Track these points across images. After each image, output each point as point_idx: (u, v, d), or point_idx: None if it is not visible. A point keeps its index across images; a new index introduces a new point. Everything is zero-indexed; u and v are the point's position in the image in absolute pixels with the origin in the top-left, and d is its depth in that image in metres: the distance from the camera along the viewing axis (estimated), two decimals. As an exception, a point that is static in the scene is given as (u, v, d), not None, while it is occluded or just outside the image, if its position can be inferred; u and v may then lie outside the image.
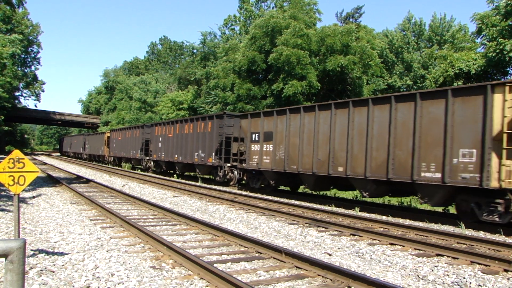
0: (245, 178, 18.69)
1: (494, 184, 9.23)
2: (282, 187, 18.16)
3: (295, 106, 15.72)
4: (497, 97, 9.29)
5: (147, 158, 29.25)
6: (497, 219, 9.35)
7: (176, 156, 24.31)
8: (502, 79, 22.80)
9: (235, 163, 19.06)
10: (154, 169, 28.35)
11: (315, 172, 13.85)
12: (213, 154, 20.26)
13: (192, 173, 25.42)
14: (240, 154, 18.82)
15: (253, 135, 17.02)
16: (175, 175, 25.38)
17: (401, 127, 11.26)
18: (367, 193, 12.47)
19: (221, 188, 18.34)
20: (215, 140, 20.28)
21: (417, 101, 10.86)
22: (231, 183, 19.47)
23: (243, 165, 17.93)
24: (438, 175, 10.28)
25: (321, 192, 17.35)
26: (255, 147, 16.85)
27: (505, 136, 9.09)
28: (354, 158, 12.56)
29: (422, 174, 10.64)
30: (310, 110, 14.34)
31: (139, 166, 32.08)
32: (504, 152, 9.12)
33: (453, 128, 10.05)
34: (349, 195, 17.96)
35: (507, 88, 9.13)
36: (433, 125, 10.50)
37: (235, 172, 19.21)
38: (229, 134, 19.56)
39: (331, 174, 13.29)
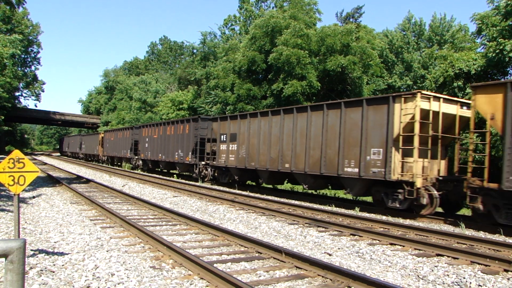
0: (216, 174, 20.75)
1: (394, 177, 11.37)
2: (249, 182, 19.97)
3: (254, 111, 18.23)
4: (397, 107, 11.39)
5: (136, 157, 31.68)
6: (398, 205, 11.52)
7: (160, 155, 26.73)
8: (502, 79, 22.82)
9: (208, 161, 21.16)
10: (142, 167, 30.60)
11: (268, 168, 16.23)
12: (190, 153, 22.70)
13: (172, 171, 27.43)
14: (213, 153, 20.86)
15: (222, 136, 19.47)
16: (175, 175, 25.45)
17: (331, 130, 13.48)
18: (306, 186, 14.80)
19: (196, 183, 20.10)
20: (191, 141, 22.63)
21: (342, 109, 13.02)
22: (206, 179, 21.54)
23: (214, 162, 20.30)
24: (356, 170, 12.48)
25: (321, 192, 17.35)
26: (223, 147, 19.35)
27: (401, 138, 11.28)
28: (297, 156, 14.84)
29: (345, 169, 12.88)
30: (265, 115, 16.69)
31: (130, 165, 34.31)
32: (401, 151, 11.33)
33: (367, 131, 12.20)
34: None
35: (403, 99, 11.25)
36: (353, 129, 12.66)
37: (209, 170, 21.23)
38: (203, 136, 21.71)
39: (280, 170, 15.61)
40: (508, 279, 5.90)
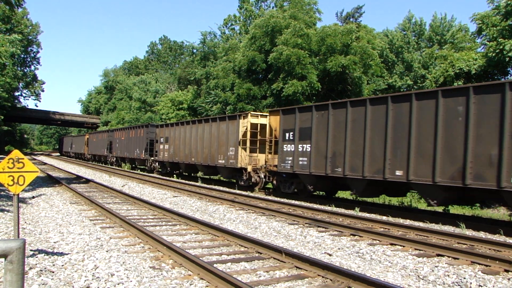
0: (159, 166, 27.10)
1: (239, 165, 17.93)
2: (194, 174, 25.52)
3: (177, 121, 26.23)
4: (241, 121, 18.03)
5: (111, 155, 38.36)
6: (242, 183, 17.83)
7: (125, 153, 33.67)
8: (502, 79, 22.81)
9: (155, 157, 27.53)
10: (115, 163, 37.00)
11: (184, 161, 23.18)
12: (143, 151, 29.34)
13: (136, 165, 32.82)
14: (156, 151, 27.36)
15: (161, 139, 26.67)
16: (174, 175, 25.47)
17: (213, 136, 20.25)
18: (202, 173, 22.49)
19: (150, 174, 26.08)
20: (144, 142, 29.25)
21: (217, 121, 19.96)
22: (155, 171, 27.76)
23: (157, 158, 27.18)
24: (224, 161, 19.04)
25: (321, 192, 17.34)
26: (161, 146, 26.55)
27: (241, 141, 17.91)
28: (197, 153, 21.66)
29: (219, 161, 19.44)
30: (182, 124, 23.90)
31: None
32: (242, 149, 17.89)
33: (228, 136, 18.78)
34: (347, 195, 17.91)
35: (242, 117, 18.03)
36: (223, 134, 19.24)
37: (156, 164, 27.53)
38: (152, 138, 28.34)
39: (190, 163, 22.56)
40: (509, 279, 5.89)
